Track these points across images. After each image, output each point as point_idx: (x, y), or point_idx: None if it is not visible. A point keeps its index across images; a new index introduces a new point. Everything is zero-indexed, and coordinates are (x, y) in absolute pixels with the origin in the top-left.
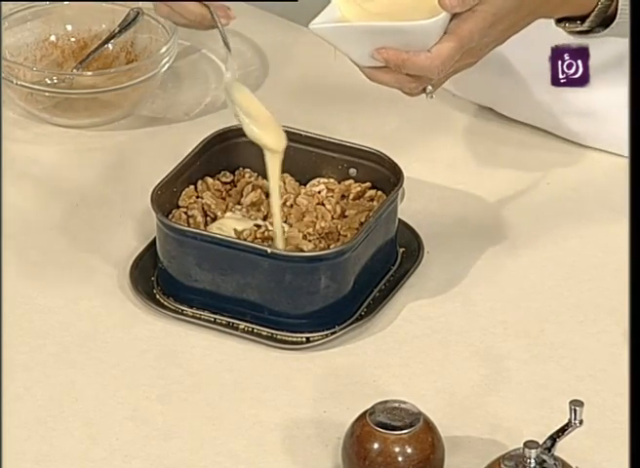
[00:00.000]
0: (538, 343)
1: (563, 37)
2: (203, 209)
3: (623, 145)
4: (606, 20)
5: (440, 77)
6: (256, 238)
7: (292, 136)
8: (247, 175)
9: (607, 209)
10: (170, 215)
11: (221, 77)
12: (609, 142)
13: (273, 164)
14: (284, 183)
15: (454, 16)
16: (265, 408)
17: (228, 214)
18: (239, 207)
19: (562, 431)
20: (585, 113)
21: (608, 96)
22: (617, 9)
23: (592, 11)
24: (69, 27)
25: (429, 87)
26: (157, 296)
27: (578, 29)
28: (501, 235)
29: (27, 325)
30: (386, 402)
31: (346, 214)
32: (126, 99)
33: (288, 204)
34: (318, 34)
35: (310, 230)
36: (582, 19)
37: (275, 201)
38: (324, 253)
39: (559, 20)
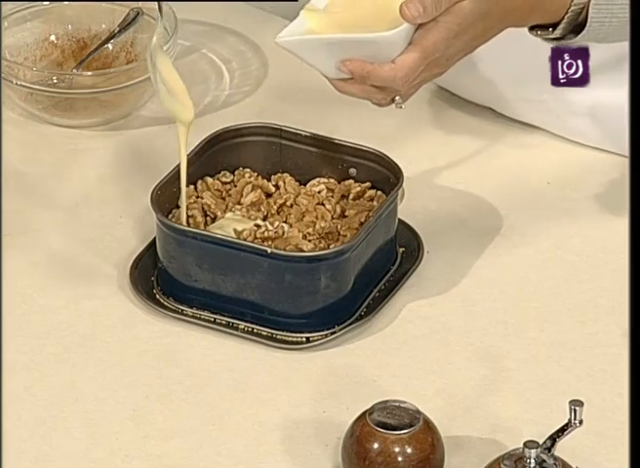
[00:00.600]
0: (538, 343)
1: None
2: (203, 209)
3: (624, 145)
4: (577, 27)
5: (406, 88)
6: (256, 238)
7: (292, 136)
8: (247, 175)
9: (607, 209)
10: (170, 215)
11: (222, 77)
12: (609, 142)
13: (181, 134)
14: (284, 183)
15: (418, 26)
16: (265, 408)
17: (228, 214)
18: (239, 207)
19: (562, 431)
20: (585, 113)
21: (608, 95)
22: (587, 16)
23: (562, 18)
24: (69, 27)
25: (398, 97)
26: (157, 296)
27: (550, 37)
28: (501, 235)
29: (27, 325)
30: (386, 402)
31: (346, 214)
32: (126, 99)
33: (288, 204)
34: (284, 47)
35: (310, 230)
36: (554, 26)
37: (183, 172)
38: (324, 253)
39: (531, 28)
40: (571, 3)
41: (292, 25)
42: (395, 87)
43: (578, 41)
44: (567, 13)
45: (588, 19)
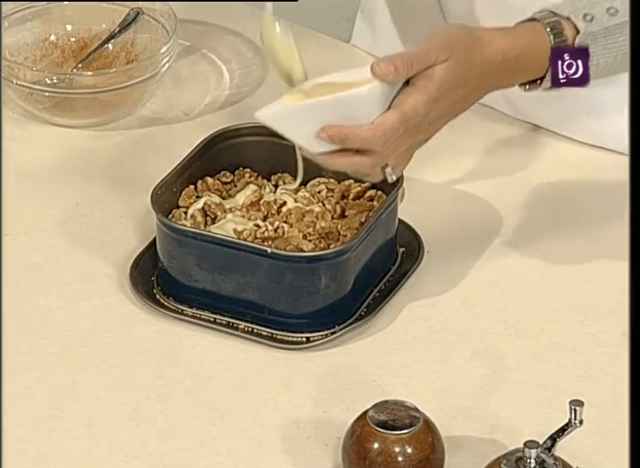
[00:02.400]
0: (538, 343)
1: None
2: (203, 209)
3: (625, 143)
4: None
5: (386, 150)
6: (256, 238)
7: None
8: (247, 175)
9: (607, 209)
10: (170, 215)
11: (221, 77)
12: (610, 140)
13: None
14: (284, 183)
15: (398, 92)
16: (265, 408)
17: (229, 214)
18: (239, 207)
19: (562, 431)
20: (587, 111)
21: (610, 93)
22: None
23: (546, 72)
24: (69, 27)
25: (388, 168)
26: (157, 296)
27: (539, 90)
28: (502, 235)
29: (27, 325)
30: (386, 402)
31: (346, 214)
32: (126, 99)
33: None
34: (264, 122)
35: (310, 230)
36: (541, 78)
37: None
38: (324, 253)
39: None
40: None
41: (272, 103)
42: (375, 147)
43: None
44: (548, 69)
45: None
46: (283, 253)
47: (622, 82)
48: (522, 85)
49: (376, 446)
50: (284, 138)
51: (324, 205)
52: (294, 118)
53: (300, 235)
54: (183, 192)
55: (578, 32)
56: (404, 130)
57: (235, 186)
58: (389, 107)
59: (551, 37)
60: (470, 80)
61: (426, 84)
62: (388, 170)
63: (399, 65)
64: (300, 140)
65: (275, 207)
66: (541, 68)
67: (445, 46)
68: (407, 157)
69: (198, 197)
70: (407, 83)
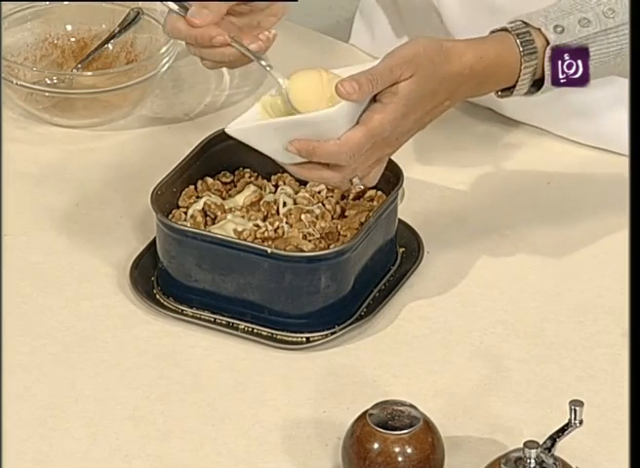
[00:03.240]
0: (538, 343)
1: None
2: (203, 209)
3: (623, 144)
4: (538, 82)
5: (353, 164)
6: (256, 238)
7: None
8: (247, 175)
9: (607, 208)
10: (170, 216)
11: (221, 78)
12: (608, 141)
13: None
14: (284, 183)
15: (366, 108)
16: (265, 408)
17: (229, 214)
18: (239, 207)
19: (562, 431)
20: (585, 113)
21: (607, 95)
22: (543, 73)
23: (517, 82)
24: (69, 27)
25: (356, 179)
26: (157, 296)
27: (512, 96)
28: (501, 235)
29: (27, 325)
30: (386, 402)
31: (346, 214)
32: (126, 99)
33: (288, 204)
34: (234, 136)
35: (310, 230)
36: (512, 88)
37: None
38: (324, 254)
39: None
40: (520, 68)
41: (244, 115)
42: (341, 162)
43: (540, 94)
44: (519, 77)
45: (545, 77)
46: (283, 253)
47: (621, 83)
48: (495, 92)
49: (376, 446)
50: None
51: (324, 205)
52: (263, 135)
53: (300, 235)
54: (183, 192)
55: (548, 43)
56: (371, 145)
57: (235, 186)
58: (357, 122)
59: (521, 49)
60: (438, 93)
61: (392, 100)
62: (355, 180)
63: (363, 83)
64: (269, 153)
65: (275, 207)
66: (511, 79)
67: (410, 62)
68: (375, 167)
69: (198, 197)
70: (374, 98)
